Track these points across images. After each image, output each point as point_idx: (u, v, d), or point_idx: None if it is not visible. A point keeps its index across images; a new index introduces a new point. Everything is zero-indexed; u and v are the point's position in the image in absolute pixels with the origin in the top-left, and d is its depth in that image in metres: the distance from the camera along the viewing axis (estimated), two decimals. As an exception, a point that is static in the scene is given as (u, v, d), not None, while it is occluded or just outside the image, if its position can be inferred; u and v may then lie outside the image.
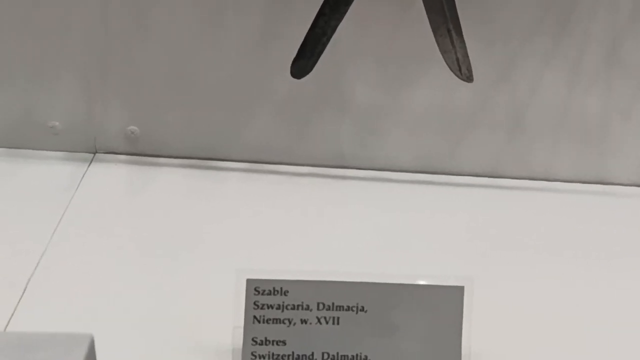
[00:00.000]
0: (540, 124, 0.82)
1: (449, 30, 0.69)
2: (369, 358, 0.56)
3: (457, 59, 0.70)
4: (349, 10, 0.69)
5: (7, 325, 0.62)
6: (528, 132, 0.82)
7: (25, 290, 0.66)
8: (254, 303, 0.56)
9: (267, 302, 0.56)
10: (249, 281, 0.55)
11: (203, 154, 0.83)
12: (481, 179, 0.83)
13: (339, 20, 0.69)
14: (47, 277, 0.68)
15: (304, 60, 0.71)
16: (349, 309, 0.56)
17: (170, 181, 0.80)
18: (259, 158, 0.83)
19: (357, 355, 0.56)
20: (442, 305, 0.56)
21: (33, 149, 0.82)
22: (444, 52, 0.70)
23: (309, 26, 0.70)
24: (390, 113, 0.81)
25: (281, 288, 0.56)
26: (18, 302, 0.65)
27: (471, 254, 0.73)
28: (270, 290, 0.56)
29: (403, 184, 0.82)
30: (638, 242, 0.76)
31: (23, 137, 0.82)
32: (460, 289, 0.56)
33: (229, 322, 0.56)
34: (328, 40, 0.70)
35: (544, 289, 0.70)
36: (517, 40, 0.78)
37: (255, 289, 0.56)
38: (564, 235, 0.76)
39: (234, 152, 0.83)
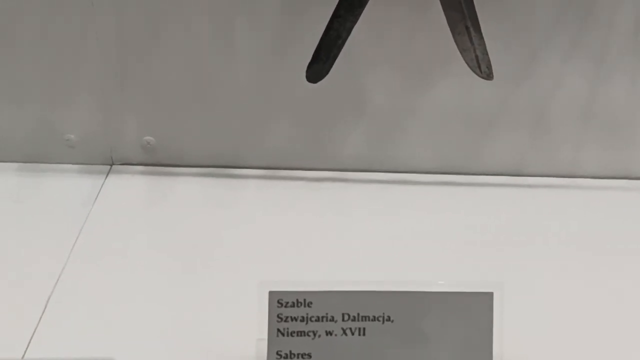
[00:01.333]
0: (564, 119, 0.81)
1: (467, 28, 0.68)
2: (396, 369, 0.55)
3: (476, 57, 0.69)
4: (364, 13, 0.68)
5: (27, 346, 0.62)
6: (552, 128, 0.81)
7: (45, 308, 0.65)
8: (278, 316, 0.55)
9: (291, 314, 0.55)
10: (271, 293, 0.55)
11: (220, 162, 0.82)
12: (505, 178, 0.82)
13: (354, 22, 0.68)
14: (67, 293, 0.67)
15: (320, 64, 0.70)
16: (375, 319, 0.55)
17: (188, 190, 0.80)
18: (277, 164, 0.82)
19: (384, 366, 0.55)
20: (472, 312, 0.55)
21: (49, 162, 0.82)
22: (462, 50, 0.69)
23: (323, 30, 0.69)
24: (410, 114, 0.80)
25: (304, 299, 0.55)
26: (39, 321, 0.64)
27: (498, 255, 0.72)
28: (293, 302, 0.55)
29: (426, 185, 0.81)
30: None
31: (39, 150, 0.82)
32: (490, 295, 0.55)
33: (252, 334, 0.56)
34: (343, 42, 0.69)
35: (576, 288, 0.69)
36: (537, 35, 0.77)
37: (278, 301, 0.55)
38: (593, 233, 0.75)
39: (252, 159, 0.82)
